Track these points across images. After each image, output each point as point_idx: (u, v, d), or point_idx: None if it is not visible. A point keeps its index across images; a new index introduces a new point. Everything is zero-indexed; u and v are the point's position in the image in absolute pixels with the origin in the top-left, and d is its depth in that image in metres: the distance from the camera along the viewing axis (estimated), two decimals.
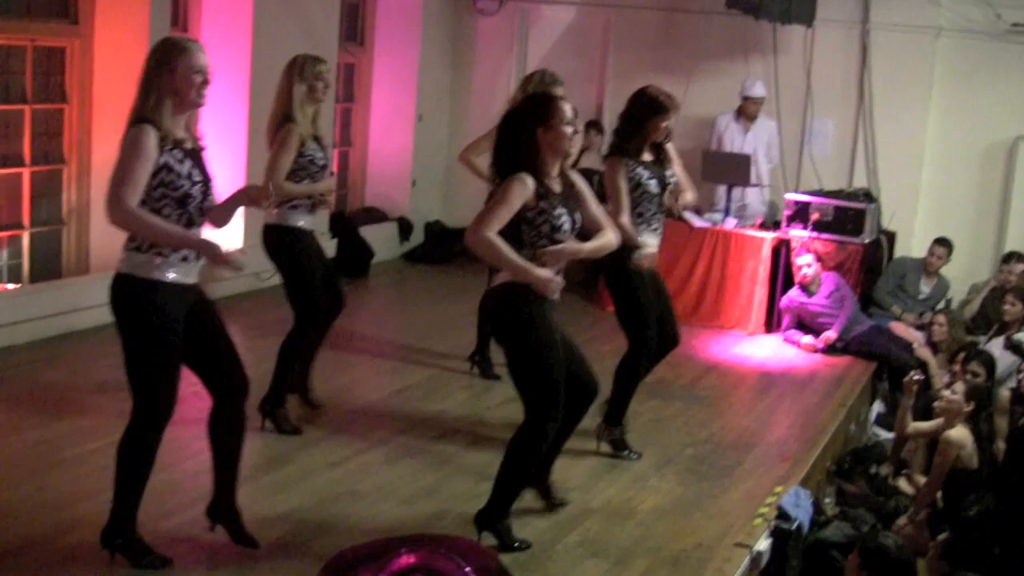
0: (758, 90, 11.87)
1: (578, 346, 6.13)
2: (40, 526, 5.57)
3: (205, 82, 5.11)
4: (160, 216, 5.02)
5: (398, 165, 13.08)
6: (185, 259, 5.10)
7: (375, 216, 12.88)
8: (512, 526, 5.92)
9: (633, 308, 7.24)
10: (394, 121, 13.06)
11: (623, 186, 7.07)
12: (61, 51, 9.26)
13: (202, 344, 5.29)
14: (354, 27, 13.17)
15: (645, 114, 7.17)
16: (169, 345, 5.13)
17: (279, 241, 7.18)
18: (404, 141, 13.19)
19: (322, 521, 5.93)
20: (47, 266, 9.37)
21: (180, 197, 5.04)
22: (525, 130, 5.74)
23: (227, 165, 10.43)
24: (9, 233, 9.04)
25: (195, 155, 5.19)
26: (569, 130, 5.74)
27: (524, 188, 5.64)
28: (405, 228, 13.18)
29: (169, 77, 5.02)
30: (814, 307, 10.56)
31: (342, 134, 13.01)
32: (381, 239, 12.53)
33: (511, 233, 5.69)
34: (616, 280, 7.24)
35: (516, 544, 5.87)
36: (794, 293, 10.73)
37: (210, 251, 5.10)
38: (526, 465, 5.87)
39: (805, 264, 10.59)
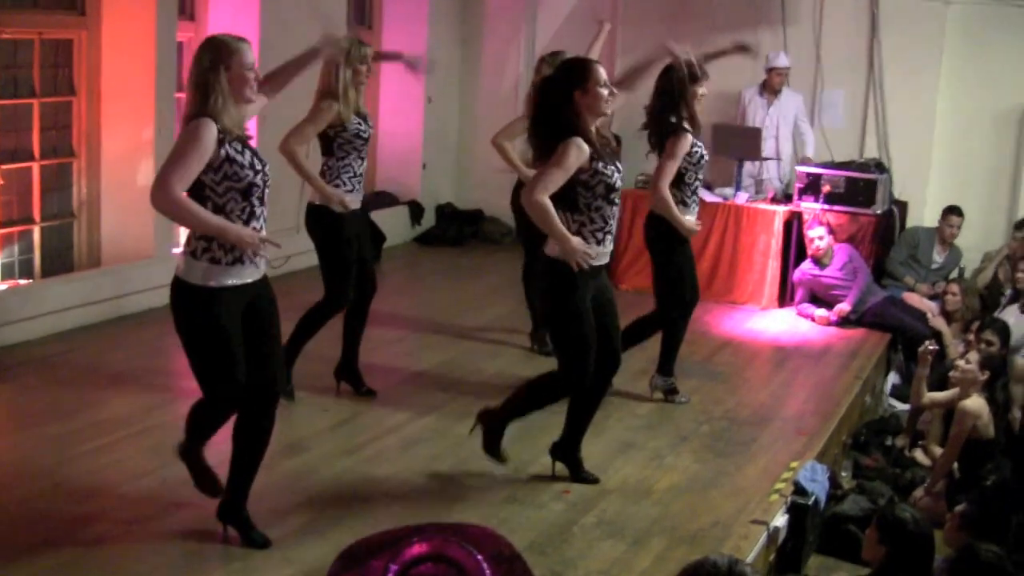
0: (782, 60, 11.81)
1: (616, 315, 6.34)
2: (57, 521, 5.59)
3: (257, 78, 5.31)
4: (224, 212, 5.10)
5: (408, 148, 13.08)
6: (241, 261, 5.16)
7: (386, 200, 12.88)
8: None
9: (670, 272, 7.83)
10: (403, 103, 13.05)
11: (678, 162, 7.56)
12: (68, 43, 9.26)
13: (249, 343, 5.32)
14: (362, 10, 13.15)
15: (683, 85, 7.57)
16: (228, 345, 5.23)
17: (318, 220, 7.30)
18: (414, 124, 13.18)
19: (338, 509, 5.95)
20: (59, 260, 9.39)
21: (244, 188, 5.13)
22: (564, 95, 5.95)
23: None
24: (20, 228, 9.06)
25: (249, 145, 5.27)
26: (605, 91, 5.96)
27: (580, 151, 5.88)
28: (416, 211, 13.19)
29: (226, 76, 5.14)
30: (827, 279, 10.54)
31: None
32: (392, 223, 12.53)
33: (567, 196, 5.96)
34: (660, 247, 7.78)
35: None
36: (807, 266, 10.71)
37: (245, 242, 5.11)
38: (534, 402, 6.39)
39: (817, 237, 10.57)
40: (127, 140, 9.38)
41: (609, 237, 6.15)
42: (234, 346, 5.22)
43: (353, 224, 7.35)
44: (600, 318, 6.23)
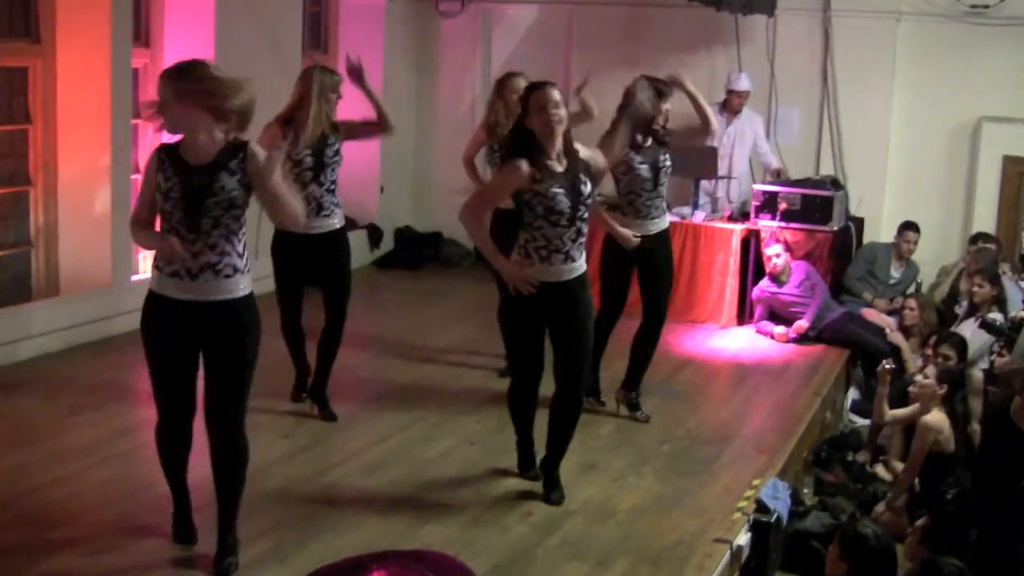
0: (743, 83, 11.85)
1: (578, 335, 6.42)
2: (19, 553, 5.54)
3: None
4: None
5: (366, 171, 13.05)
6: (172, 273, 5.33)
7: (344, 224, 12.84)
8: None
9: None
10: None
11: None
12: (24, 71, 9.19)
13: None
14: (317, 35, 13.16)
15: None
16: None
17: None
18: (371, 147, 13.13)
19: (301, 537, 5.92)
20: (17, 288, 9.32)
21: None
22: (517, 120, 6.27)
23: None
24: None
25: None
26: (556, 112, 6.09)
27: (514, 172, 6.14)
28: (375, 235, 13.17)
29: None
30: (785, 297, 10.60)
31: None
32: (351, 247, 12.48)
33: (519, 213, 6.22)
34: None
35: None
36: (765, 284, 10.77)
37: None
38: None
39: (774, 254, 10.63)
40: (84, 167, 9.34)
41: (558, 256, 6.19)
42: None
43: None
44: (557, 338, 6.39)
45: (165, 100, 5.12)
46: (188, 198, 5.14)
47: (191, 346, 5.35)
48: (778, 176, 11.66)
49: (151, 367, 5.45)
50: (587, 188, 6.26)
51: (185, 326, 5.30)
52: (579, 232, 6.26)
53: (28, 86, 9.21)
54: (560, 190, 6.11)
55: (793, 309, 10.54)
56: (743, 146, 11.89)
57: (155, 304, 5.35)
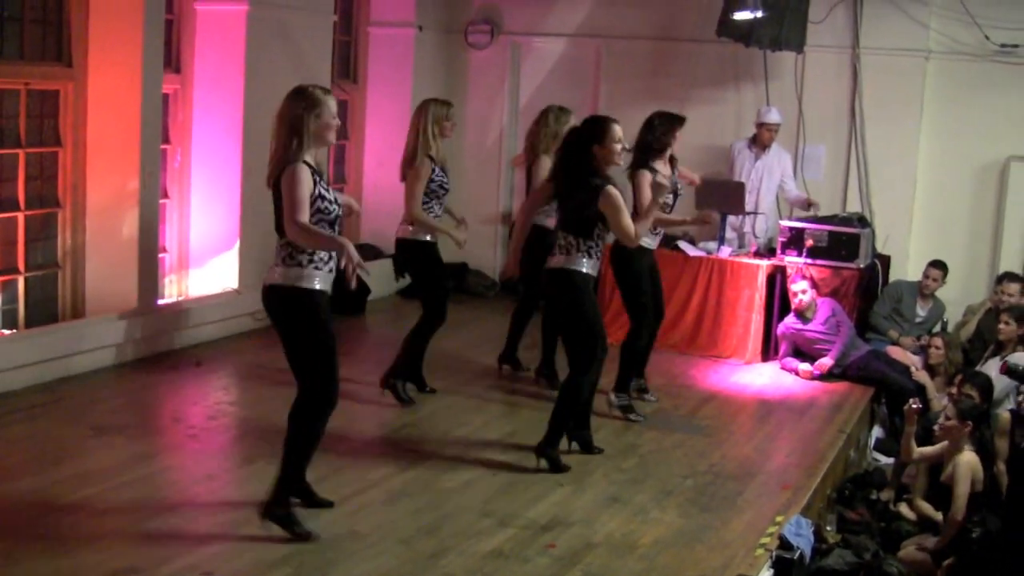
0: (773, 116, 11.86)
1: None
2: (39, 574, 5.54)
3: (339, 125, 6.25)
4: None
5: (392, 201, 12.97)
6: (331, 271, 6.14)
7: (370, 253, 12.86)
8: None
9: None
10: (388, 157, 13.01)
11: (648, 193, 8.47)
12: (55, 94, 9.28)
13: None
14: (347, 64, 13.23)
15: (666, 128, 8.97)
16: (331, 337, 6.16)
17: (412, 252, 8.83)
18: (398, 177, 13.18)
19: (322, 563, 5.91)
20: (43, 310, 9.37)
21: (332, 220, 6.11)
22: (585, 148, 7.41)
23: (222, 203, 10.46)
24: (5, 278, 9.05)
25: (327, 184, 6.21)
26: (618, 147, 7.42)
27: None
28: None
29: (314, 123, 6.05)
30: (810, 334, 10.56)
31: (336, 171, 13.04)
32: (377, 276, 12.50)
33: (584, 227, 7.42)
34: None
35: (565, 467, 7.51)
36: (790, 320, 10.73)
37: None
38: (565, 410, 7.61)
39: (800, 291, 10.59)
40: (112, 191, 9.39)
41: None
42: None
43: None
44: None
45: None
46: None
47: None
48: (809, 208, 11.62)
49: (327, 354, 6.14)
50: None
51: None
52: None
53: (59, 109, 9.30)
54: None
55: (818, 346, 10.50)
56: (770, 181, 11.86)
57: (321, 299, 6.11)
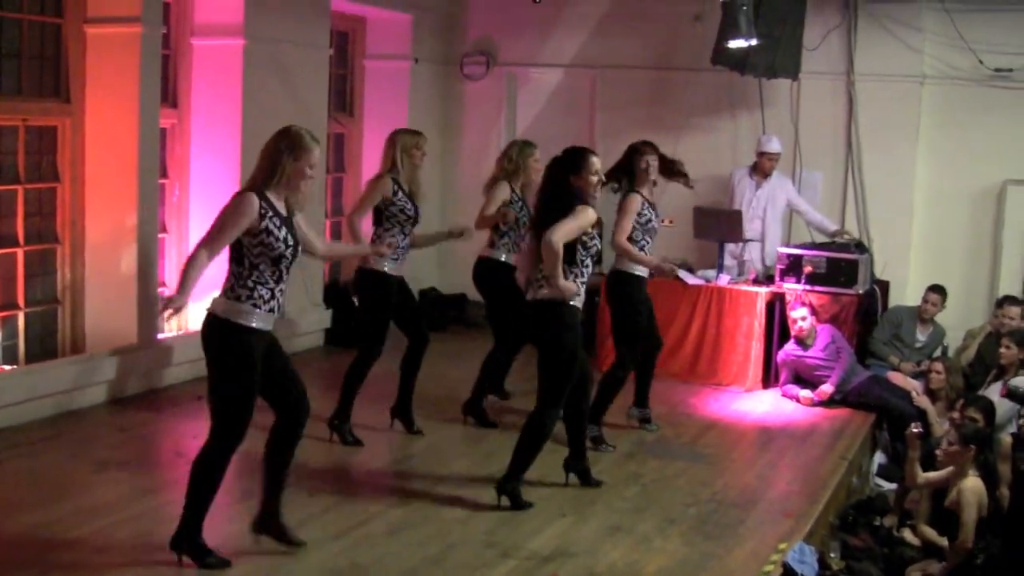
0: (773, 146, 11.84)
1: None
2: None
3: (312, 177, 6.14)
4: (256, 271, 5.99)
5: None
6: (271, 310, 6.04)
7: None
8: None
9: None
10: None
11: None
12: (53, 130, 9.31)
13: (275, 377, 6.17)
14: (343, 97, 13.26)
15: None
16: (252, 379, 5.99)
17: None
18: None
19: None
20: (43, 345, 9.36)
21: (275, 257, 5.96)
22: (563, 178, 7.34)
23: None
24: (4, 313, 9.04)
25: (289, 223, 6.08)
26: (594, 179, 7.36)
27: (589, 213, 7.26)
28: None
29: (290, 165, 6.01)
30: (811, 360, 10.55)
31: (334, 203, 13.04)
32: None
33: (567, 254, 7.17)
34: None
35: (527, 504, 7.31)
36: (790, 347, 10.73)
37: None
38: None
39: (800, 317, 10.60)
40: (111, 226, 9.40)
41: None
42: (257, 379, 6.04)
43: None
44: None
45: None
46: None
47: None
48: (838, 237, 11.59)
49: (243, 397, 6.03)
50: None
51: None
52: None
53: (57, 145, 9.32)
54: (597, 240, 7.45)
55: (818, 373, 10.50)
56: (775, 209, 11.85)
57: (252, 338, 6.01)
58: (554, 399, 7.33)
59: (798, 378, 10.68)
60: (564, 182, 7.30)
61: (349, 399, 8.63)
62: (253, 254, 5.95)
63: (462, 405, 9.40)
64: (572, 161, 7.36)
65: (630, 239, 8.83)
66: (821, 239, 11.74)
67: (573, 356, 7.28)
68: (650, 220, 8.92)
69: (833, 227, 11.87)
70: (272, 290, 6.03)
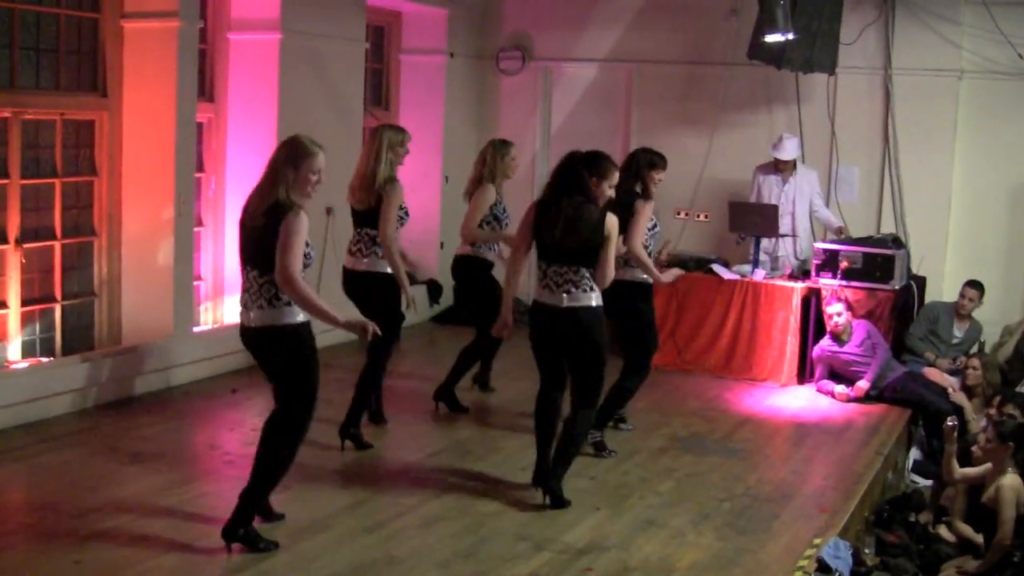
0: (785, 154, 11.73)
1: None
2: None
3: (319, 181, 6.23)
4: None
5: (425, 227, 13.11)
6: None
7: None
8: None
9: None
10: (421, 183, 13.08)
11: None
12: (90, 124, 9.37)
13: None
14: (379, 91, 13.29)
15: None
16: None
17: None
18: (431, 203, 13.25)
19: None
20: (79, 338, 9.43)
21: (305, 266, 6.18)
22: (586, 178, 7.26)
23: None
24: (42, 306, 9.11)
25: None
26: (610, 192, 7.34)
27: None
28: (435, 291, 13.14)
29: (292, 174, 6.13)
30: (846, 356, 10.50)
31: None
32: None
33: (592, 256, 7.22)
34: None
35: (567, 502, 7.28)
36: (826, 343, 10.68)
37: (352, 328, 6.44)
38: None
39: (836, 313, 10.54)
40: (147, 220, 9.45)
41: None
42: None
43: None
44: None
45: None
46: None
47: None
48: (840, 235, 11.57)
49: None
50: None
51: None
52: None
53: (95, 139, 9.37)
54: None
55: (854, 368, 10.45)
56: (803, 201, 11.80)
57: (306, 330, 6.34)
58: (593, 399, 7.37)
59: (833, 373, 10.64)
60: (585, 181, 7.21)
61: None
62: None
63: (434, 391, 9.45)
64: (599, 165, 7.27)
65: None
66: (857, 234, 11.67)
67: (605, 354, 7.34)
68: (656, 225, 8.85)
69: (837, 224, 11.81)
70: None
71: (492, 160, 9.35)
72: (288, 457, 6.30)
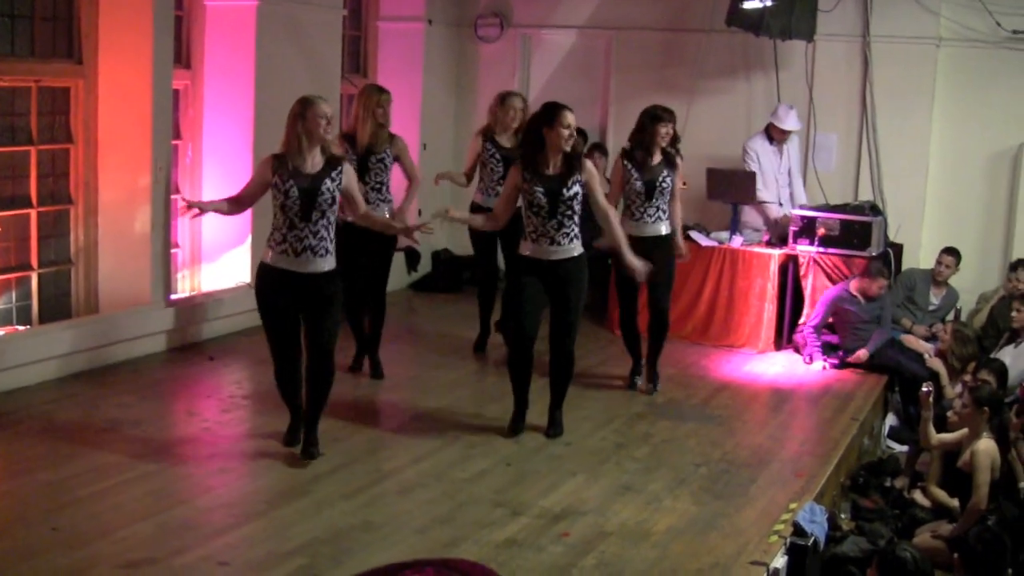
0: (788, 124, 11.69)
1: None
2: (56, 566, 5.56)
3: (329, 123, 6.98)
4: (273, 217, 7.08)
5: (403, 195, 13.06)
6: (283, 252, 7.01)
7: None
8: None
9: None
10: None
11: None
12: (66, 91, 9.30)
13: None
14: (357, 58, 13.24)
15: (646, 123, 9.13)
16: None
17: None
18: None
19: (336, 553, 5.92)
20: (56, 306, 9.39)
21: (280, 205, 6.95)
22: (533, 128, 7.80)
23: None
24: (18, 274, 9.07)
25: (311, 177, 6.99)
26: (566, 132, 7.60)
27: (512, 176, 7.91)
28: (413, 258, 13.14)
29: (301, 124, 6.94)
30: (861, 315, 10.44)
31: None
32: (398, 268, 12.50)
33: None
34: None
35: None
36: (851, 291, 10.53)
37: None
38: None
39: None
40: (124, 187, 9.40)
41: (544, 240, 7.80)
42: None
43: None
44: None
45: None
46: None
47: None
48: (776, 225, 11.50)
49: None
50: (568, 192, 7.68)
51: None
52: (560, 224, 7.71)
53: (70, 106, 9.31)
54: (541, 188, 7.67)
55: (854, 330, 10.39)
56: (796, 169, 11.90)
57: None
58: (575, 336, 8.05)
59: (827, 347, 10.61)
60: (538, 133, 7.71)
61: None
62: (275, 204, 7.02)
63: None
64: (545, 113, 7.69)
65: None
66: (834, 201, 11.69)
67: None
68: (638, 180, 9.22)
69: (775, 215, 11.68)
70: (284, 234, 6.98)
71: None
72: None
